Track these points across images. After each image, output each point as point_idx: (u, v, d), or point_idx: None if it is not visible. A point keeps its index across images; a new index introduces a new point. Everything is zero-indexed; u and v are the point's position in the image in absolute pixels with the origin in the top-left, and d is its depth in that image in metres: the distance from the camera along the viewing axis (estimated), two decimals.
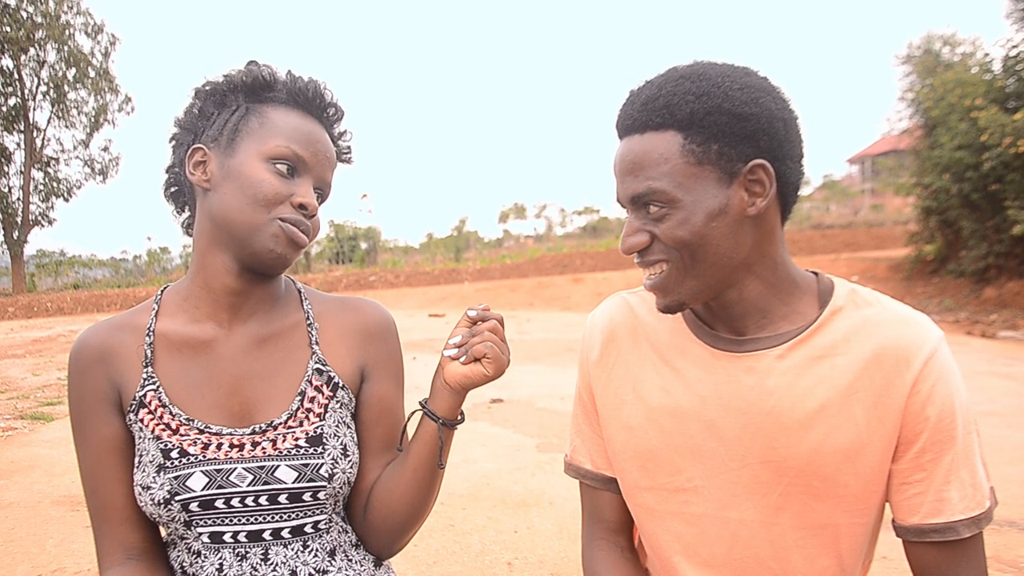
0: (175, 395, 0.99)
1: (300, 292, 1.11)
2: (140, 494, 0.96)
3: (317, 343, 1.05)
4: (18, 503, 3.78)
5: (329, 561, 1.01)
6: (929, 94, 15.19)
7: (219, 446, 0.97)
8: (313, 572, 0.99)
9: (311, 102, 1.01)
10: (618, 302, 1.10)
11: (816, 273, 0.99)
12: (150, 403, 0.98)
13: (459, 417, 1.01)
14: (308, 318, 1.07)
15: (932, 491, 0.87)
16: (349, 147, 1.11)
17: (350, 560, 1.04)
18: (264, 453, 0.97)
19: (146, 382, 0.99)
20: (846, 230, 26.58)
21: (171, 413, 0.98)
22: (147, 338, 1.01)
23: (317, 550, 1.00)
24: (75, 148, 27.88)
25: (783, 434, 0.90)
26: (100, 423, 0.99)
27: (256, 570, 0.96)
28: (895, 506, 0.91)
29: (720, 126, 0.85)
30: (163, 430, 0.97)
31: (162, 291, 1.08)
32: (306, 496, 0.97)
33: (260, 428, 0.98)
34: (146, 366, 1.00)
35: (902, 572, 0.95)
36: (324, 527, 1.01)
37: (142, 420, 0.98)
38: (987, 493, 0.88)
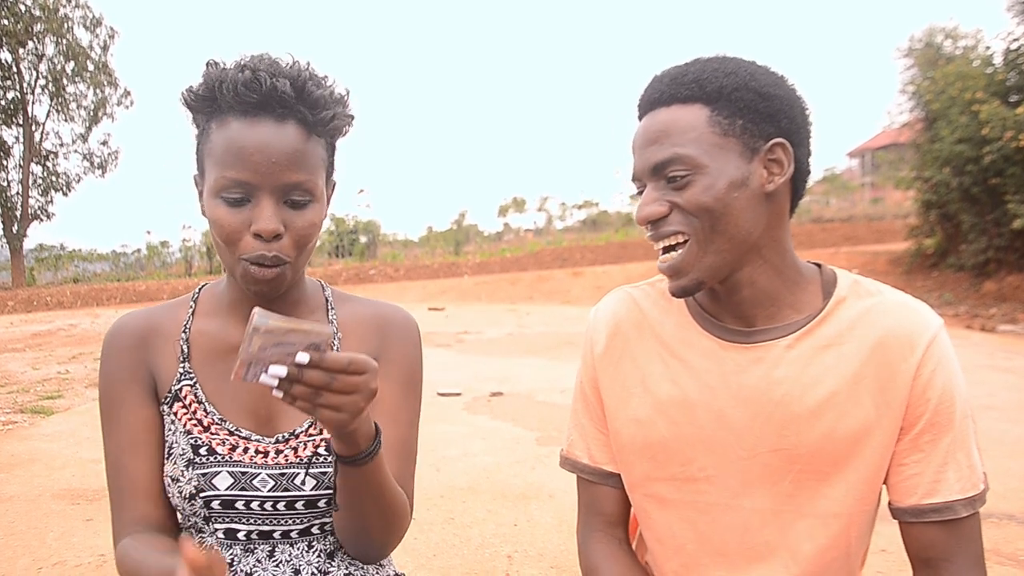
0: (210, 394, 1.00)
1: (328, 300, 1.09)
2: (169, 485, 0.98)
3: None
4: (18, 497, 3.79)
5: (329, 562, 1.02)
6: (930, 87, 15.13)
7: (245, 450, 0.98)
8: (316, 572, 1.00)
9: (250, 97, 0.88)
10: (622, 296, 1.10)
11: (819, 265, 1.01)
12: (185, 398, 1.00)
13: (357, 454, 0.85)
14: (333, 328, 1.06)
15: (930, 472, 0.89)
16: (332, 115, 0.94)
17: (352, 559, 1.05)
18: (287, 461, 0.98)
19: (183, 377, 1.01)
20: (846, 224, 26.57)
21: (205, 410, 0.99)
22: (183, 334, 1.02)
23: (320, 551, 1.02)
24: (74, 142, 27.83)
25: (793, 423, 0.92)
26: (136, 404, 1.00)
27: (260, 563, 0.98)
28: (892, 487, 0.93)
29: (746, 102, 0.89)
30: (195, 425, 0.99)
31: (200, 289, 1.08)
32: (321, 503, 0.98)
33: (283, 437, 1.00)
34: (183, 361, 1.01)
35: (901, 564, 0.96)
36: (329, 529, 1.02)
37: (175, 413, 1.00)
38: (982, 476, 0.91)
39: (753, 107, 0.89)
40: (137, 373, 1.01)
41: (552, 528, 3.23)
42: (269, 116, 0.90)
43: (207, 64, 0.93)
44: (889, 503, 0.94)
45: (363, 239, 33.70)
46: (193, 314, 1.05)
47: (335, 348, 1.05)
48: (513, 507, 3.52)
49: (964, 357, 7.27)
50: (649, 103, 0.94)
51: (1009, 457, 4.09)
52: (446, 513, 3.45)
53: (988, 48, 15.65)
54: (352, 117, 0.99)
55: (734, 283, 0.95)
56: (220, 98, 0.90)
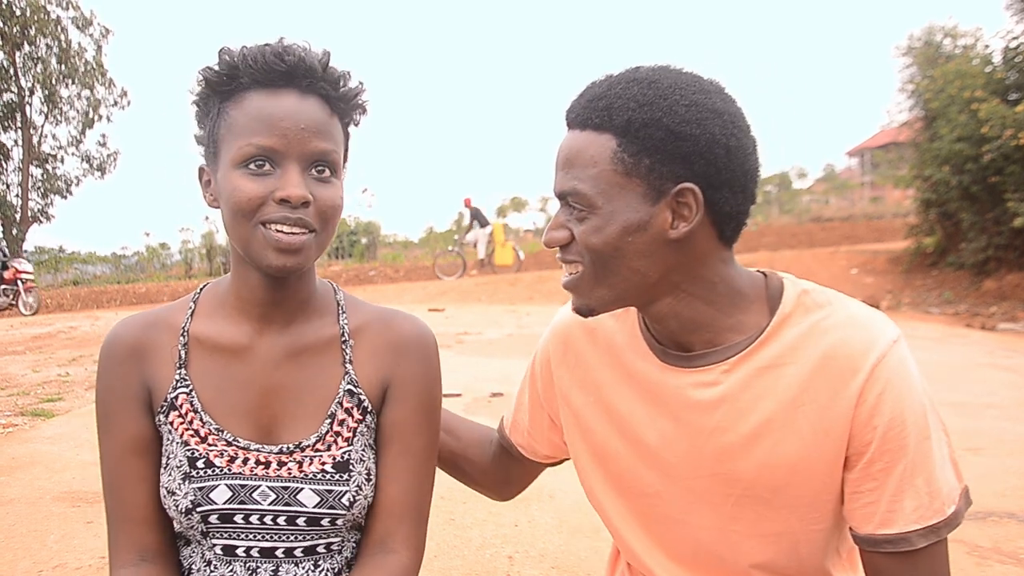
0: (207, 401, 0.96)
1: (340, 303, 1.04)
2: (165, 497, 0.95)
3: (351, 362, 1.00)
4: (19, 499, 3.78)
5: None
6: (929, 86, 15.13)
7: (245, 461, 0.95)
8: None
9: (274, 71, 0.88)
10: None
11: (765, 274, 0.95)
12: (181, 407, 0.96)
13: None
14: (344, 334, 1.01)
15: (884, 501, 0.84)
16: (355, 92, 0.95)
17: None
18: (289, 474, 0.95)
19: (178, 384, 0.96)
20: (845, 223, 26.56)
21: (201, 420, 0.96)
22: (181, 338, 0.98)
23: (327, 570, 0.99)
24: (71, 144, 27.81)
25: (728, 450, 0.90)
26: (127, 420, 0.96)
27: None
28: (849, 514, 0.89)
29: (655, 140, 0.82)
30: (192, 436, 0.95)
31: (201, 289, 1.04)
32: (324, 521, 0.95)
33: (288, 448, 0.96)
34: (179, 367, 0.97)
35: None
36: (336, 548, 1.00)
37: (172, 423, 0.96)
38: (952, 498, 0.84)
39: (662, 147, 0.82)
40: (131, 387, 0.96)
41: (553, 528, 3.23)
42: (294, 89, 0.90)
43: (220, 51, 0.91)
44: (850, 528, 0.91)
45: (363, 240, 33.72)
46: (192, 315, 1.00)
47: (345, 355, 1.00)
48: (514, 508, 3.52)
49: (964, 356, 7.28)
50: (569, 120, 0.90)
51: (1009, 455, 4.08)
52: (447, 514, 3.44)
53: (987, 47, 15.66)
54: (360, 109, 0.98)
55: (655, 314, 0.91)
56: (243, 73, 0.88)
